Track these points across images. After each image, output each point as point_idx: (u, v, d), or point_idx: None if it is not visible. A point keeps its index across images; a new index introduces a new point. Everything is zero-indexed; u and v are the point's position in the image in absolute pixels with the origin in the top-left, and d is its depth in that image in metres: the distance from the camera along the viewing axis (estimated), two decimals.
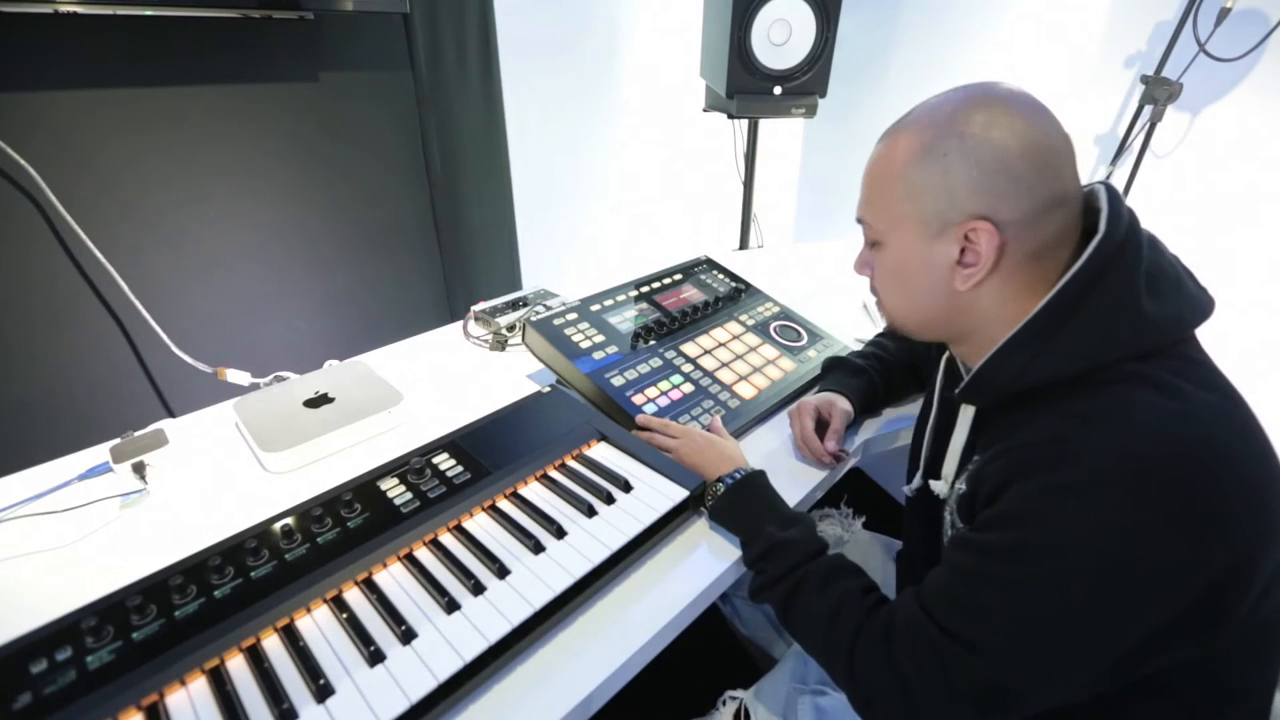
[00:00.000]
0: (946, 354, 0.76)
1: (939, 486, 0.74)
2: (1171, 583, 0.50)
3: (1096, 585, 0.50)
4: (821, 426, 0.93)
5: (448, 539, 0.73)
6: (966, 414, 0.71)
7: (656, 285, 1.24)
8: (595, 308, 1.14)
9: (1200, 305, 0.59)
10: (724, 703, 0.88)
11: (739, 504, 0.77)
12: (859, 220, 0.68)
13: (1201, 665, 0.56)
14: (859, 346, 1.19)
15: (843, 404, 0.95)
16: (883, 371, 1.01)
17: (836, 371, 1.03)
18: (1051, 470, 0.53)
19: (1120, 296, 0.56)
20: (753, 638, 1.14)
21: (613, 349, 1.05)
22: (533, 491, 0.80)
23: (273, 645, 0.60)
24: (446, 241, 1.64)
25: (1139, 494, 0.49)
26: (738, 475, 0.79)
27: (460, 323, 1.29)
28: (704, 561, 0.76)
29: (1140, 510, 0.49)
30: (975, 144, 0.56)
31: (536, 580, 0.67)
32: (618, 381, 0.99)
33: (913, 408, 1.03)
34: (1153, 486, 0.49)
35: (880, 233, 0.66)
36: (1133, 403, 0.52)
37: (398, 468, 0.80)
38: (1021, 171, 0.56)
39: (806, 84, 1.59)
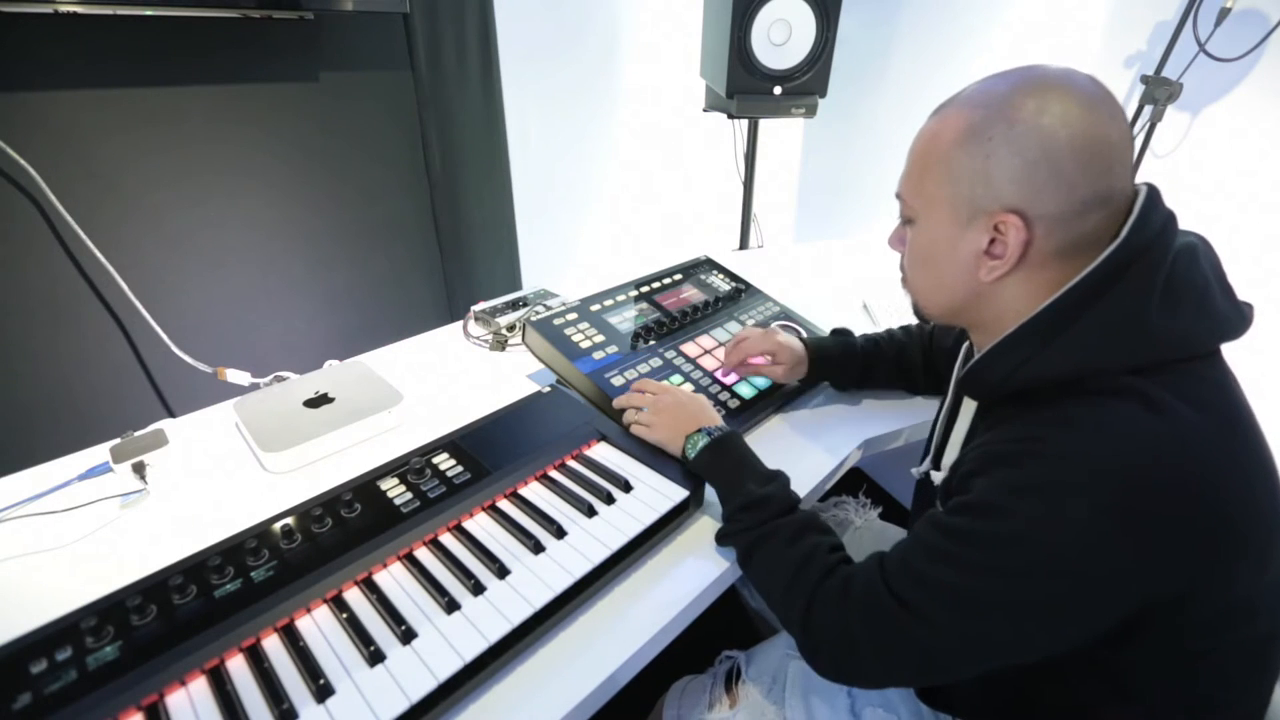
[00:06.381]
0: (967, 341, 0.76)
1: (938, 476, 0.74)
2: (1108, 590, 0.51)
3: (1041, 581, 0.52)
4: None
5: (448, 539, 0.73)
6: (969, 405, 0.71)
7: (656, 285, 1.24)
8: (595, 308, 1.14)
9: (1227, 323, 0.57)
10: (720, 661, 0.90)
11: (718, 461, 0.79)
12: (896, 195, 0.67)
13: (1181, 675, 0.57)
14: None
15: (782, 341, 1.00)
16: (870, 352, 1.02)
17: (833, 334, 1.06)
18: (1018, 467, 0.54)
19: (1126, 307, 0.54)
20: (761, 611, 1.14)
21: (613, 349, 1.05)
22: (533, 491, 0.80)
23: (273, 645, 0.60)
24: (446, 241, 1.64)
25: (1093, 500, 0.50)
26: (714, 432, 0.82)
27: (460, 323, 1.29)
28: (704, 561, 0.76)
29: (1093, 516, 0.50)
30: (1022, 131, 0.54)
31: (536, 580, 0.67)
32: (618, 381, 0.99)
33: (910, 408, 1.03)
34: (1106, 496, 0.50)
35: (914, 211, 0.64)
36: (1113, 414, 0.52)
37: (398, 468, 0.80)
38: (1066, 166, 0.53)
39: (806, 84, 1.59)
